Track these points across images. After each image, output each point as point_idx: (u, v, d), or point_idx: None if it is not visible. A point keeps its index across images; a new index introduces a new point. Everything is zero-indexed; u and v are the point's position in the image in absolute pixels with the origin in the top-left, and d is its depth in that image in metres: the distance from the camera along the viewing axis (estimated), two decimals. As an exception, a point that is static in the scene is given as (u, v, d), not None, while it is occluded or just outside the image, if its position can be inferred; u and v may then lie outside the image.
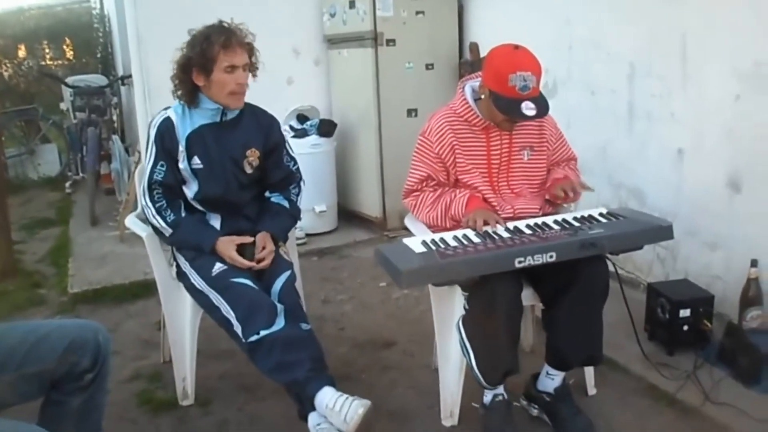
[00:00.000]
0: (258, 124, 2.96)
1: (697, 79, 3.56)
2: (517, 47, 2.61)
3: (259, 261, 2.81)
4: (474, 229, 2.54)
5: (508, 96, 2.55)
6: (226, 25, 2.77)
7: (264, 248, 2.84)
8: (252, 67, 2.84)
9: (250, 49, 2.81)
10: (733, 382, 2.97)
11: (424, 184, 2.80)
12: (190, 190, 2.89)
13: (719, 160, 3.47)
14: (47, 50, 10.45)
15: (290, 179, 3.06)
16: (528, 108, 2.54)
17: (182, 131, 2.83)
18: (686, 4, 3.55)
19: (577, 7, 4.27)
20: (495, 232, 2.49)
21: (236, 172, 2.90)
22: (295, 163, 3.09)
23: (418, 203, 2.80)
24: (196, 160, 2.83)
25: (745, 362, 2.97)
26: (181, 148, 2.82)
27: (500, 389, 2.68)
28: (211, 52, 2.70)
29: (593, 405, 2.90)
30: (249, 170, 2.93)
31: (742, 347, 3.00)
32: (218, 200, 2.91)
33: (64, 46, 10.41)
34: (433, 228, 2.78)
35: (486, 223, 2.54)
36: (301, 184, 3.11)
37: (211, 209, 2.93)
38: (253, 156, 2.92)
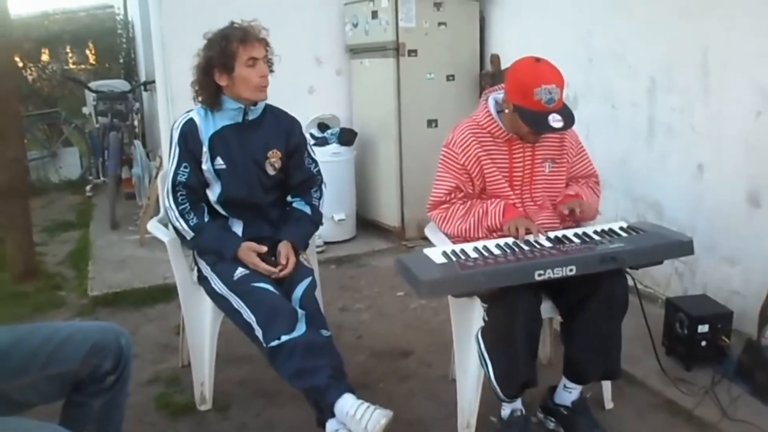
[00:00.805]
0: (279, 126, 2.99)
1: (717, 94, 3.56)
2: (538, 60, 2.62)
3: (280, 270, 2.83)
4: (516, 238, 2.55)
5: (534, 110, 2.55)
6: (238, 24, 2.81)
7: (287, 259, 2.86)
8: (269, 62, 2.87)
9: (266, 44, 2.85)
10: (751, 398, 2.96)
11: (452, 195, 2.79)
12: (213, 193, 2.91)
13: (739, 175, 3.47)
14: (71, 55, 10.55)
15: (311, 182, 3.08)
16: (555, 120, 2.55)
17: (205, 132, 2.86)
18: (708, 19, 3.56)
19: (598, 20, 4.28)
20: (516, 244, 2.50)
21: (259, 174, 2.93)
22: (317, 165, 3.11)
23: (448, 216, 2.79)
24: (219, 160, 2.86)
25: (764, 379, 2.95)
26: (205, 149, 2.85)
27: (518, 404, 2.69)
28: (230, 48, 2.74)
29: (610, 419, 2.89)
30: (272, 172, 2.95)
31: (760, 364, 2.99)
32: (242, 202, 2.93)
33: (88, 51, 10.51)
34: (463, 239, 2.77)
35: (528, 232, 2.55)
36: (323, 187, 3.13)
37: (234, 213, 2.95)
38: (275, 157, 2.95)
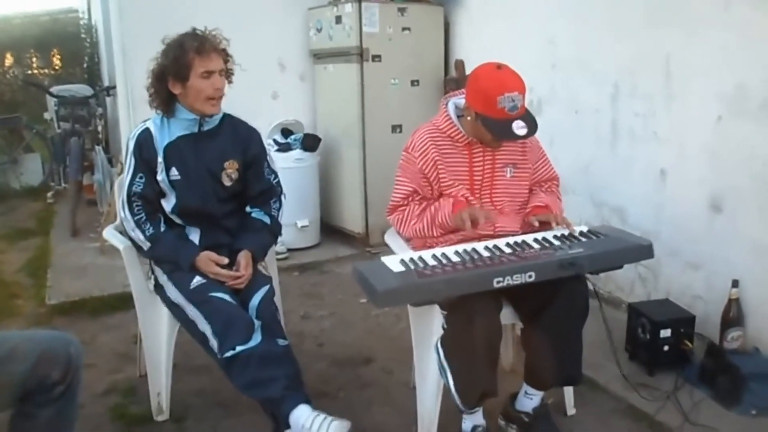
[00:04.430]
0: (237, 136, 2.93)
1: (680, 100, 3.58)
2: (499, 66, 2.59)
3: (237, 278, 2.78)
4: (463, 229, 2.52)
5: (498, 118, 2.53)
6: (199, 32, 2.75)
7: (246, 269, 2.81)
8: (227, 73, 2.82)
9: (225, 55, 2.79)
10: (713, 403, 2.97)
11: (410, 199, 2.77)
12: (169, 203, 2.85)
13: (701, 180, 3.48)
14: (34, 59, 10.42)
15: (271, 193, 3.02)
16: (519, 128, 2.53)
17: (160, 142, 2.80)
18: (671, 25, 3.57)
19: (563, 26, 4.29)
20: (474, 250, 2.47)
21: (214, 185, 2.87)
22: (276, 176, 3.05)
23: (404, 217, 2.77)
24: (174, 171, 2.80)
25: (726, 383, 2.96)
26: (160, 159, 2.79)
27: (480, 419, 2.66)
28: (185, 58, 2.68)
29: (572, 425, 2.88)
30: (228, 183, 2.89)
31: (722, 368, 3.00)
32: (197, 213, 2.87)
33: (52, 56, 10.39)
34: (420, 240, 2.76)
35: (474, 220, 2.52)
36: (282, 198, 3.07)
37: (190, 222, 2.90)
38: (231, 168, 2.89)
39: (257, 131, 3.04)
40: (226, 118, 2.92)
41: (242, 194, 2.99)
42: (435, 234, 2.69)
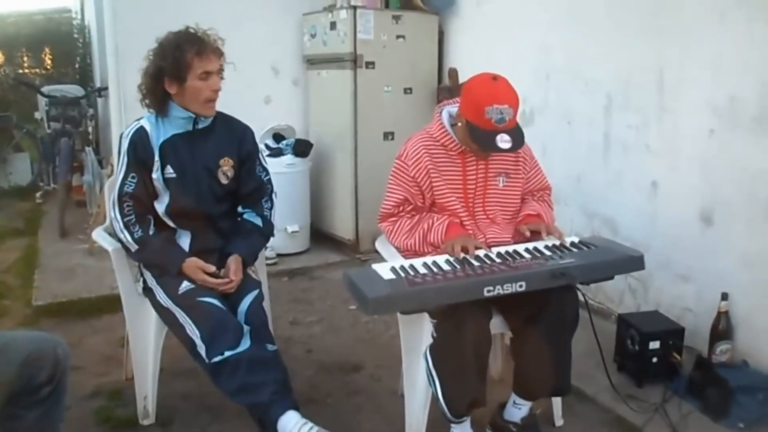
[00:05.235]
0: (231, 133, 2.91)
1: (672, 112, 3.58)
2: (495, 78, 2.59)
3: (226, 283, 2.77)
4: (453, 256, 2.51)
5: (484, 128, 2.53)
6: (193, 30, 2.73)
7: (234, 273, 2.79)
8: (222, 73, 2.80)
9: (221, 54, 2.77)
10: (701, 415, 2.97)
11: (401, 208, 2.77)
12: (162, 204, 2.82)
13: (692, 193, 3.49)
14: (26, 58, 10.37)
15: (262, 191, 3.00)
16: (503, 141, 2.52)
17: (156, 140, 2.77)
18: (665, 37, 3.58)
19: (557, 36, 4.30)
20: (465, 259, 2.46)
21: (211, 183, 2.85)
22: (267, 173, 3.03)
23: (395, 229, 2.77)
24: (169, 169, 2.77)
25: (714, 396, 2.96)
26: (156, 157, 2.76)
27: (467, 429, 2.64)
28: (184, 60, 2.65)
29: (560, 436, 2.88)
30: (224, 180, 2.87)
31: (711, 381, 3.00)
32: (191, 213, 2.84)
33: (43, 55, 10.34)
34: (413, 253, 2.74)
35: (465, 250, 2.51)
36: (273, 197, 3.06)
37: (182, 224, 2.86)
38: (227, 165, 2.87)
39: (250, 128, 3.02)
40: (219, 115, 2.89)
41: (236, 192, 2.97)
42: (426, 250, 2.68)
